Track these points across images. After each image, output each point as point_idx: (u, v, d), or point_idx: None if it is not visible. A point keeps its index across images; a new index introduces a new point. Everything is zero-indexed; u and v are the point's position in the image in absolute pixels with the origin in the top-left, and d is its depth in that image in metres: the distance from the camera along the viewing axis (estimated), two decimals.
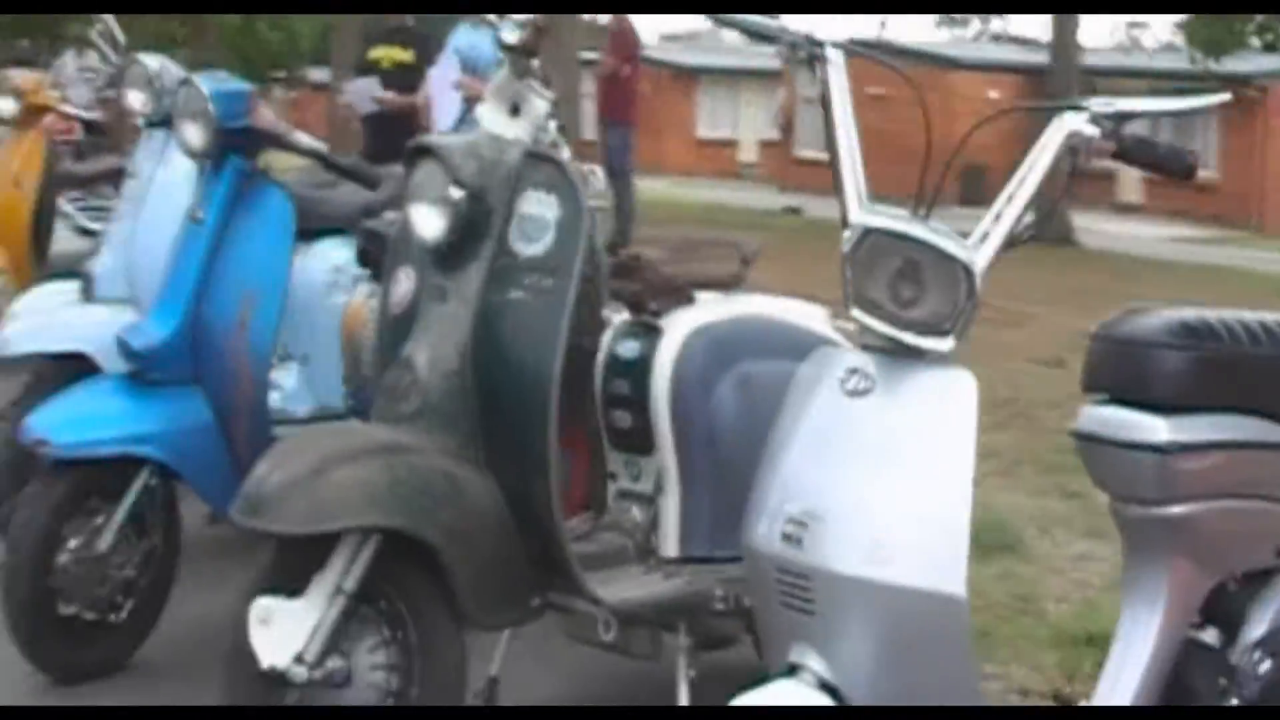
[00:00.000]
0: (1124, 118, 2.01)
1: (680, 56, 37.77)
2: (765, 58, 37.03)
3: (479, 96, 8.12)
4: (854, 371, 1.95)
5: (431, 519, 2.80)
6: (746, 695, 1.90)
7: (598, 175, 3.56)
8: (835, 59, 2.28)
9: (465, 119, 7.38)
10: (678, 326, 3.26)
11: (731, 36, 51.79)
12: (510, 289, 2.95)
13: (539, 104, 3.03)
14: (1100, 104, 2.03)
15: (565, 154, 3.17)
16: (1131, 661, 2.33)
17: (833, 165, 2.10)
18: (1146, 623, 2.34)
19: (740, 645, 3.37)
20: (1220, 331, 2.30)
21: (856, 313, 1.93)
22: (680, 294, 3.36)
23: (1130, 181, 24.87)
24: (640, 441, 3.28)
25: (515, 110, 3.05)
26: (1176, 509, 2.27)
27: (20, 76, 6.41)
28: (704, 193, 25.42)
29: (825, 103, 2.22)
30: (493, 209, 2.97)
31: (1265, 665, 2.36)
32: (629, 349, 3.32)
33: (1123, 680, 2.32)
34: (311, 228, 4.47)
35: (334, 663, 2.81)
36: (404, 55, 7.76)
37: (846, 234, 1.94)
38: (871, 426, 1.91)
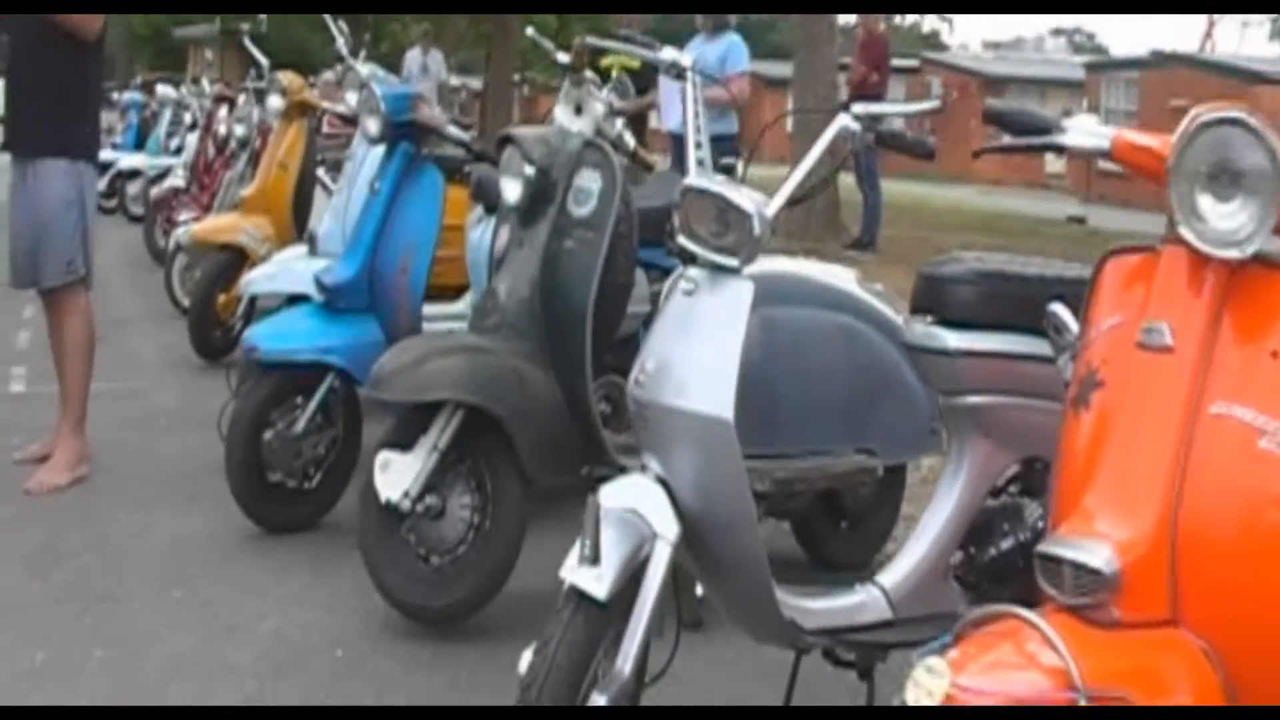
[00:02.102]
0: (876, 118, 2.98)
1: (989, 66, 37.86)
2: (1072, 67, 36.65)
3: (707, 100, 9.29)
4: (690, 280, 2.97)
5: (500, 399, 3.92)
6: (608, 485, 2.93)
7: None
8: (693, 79, 3.31)
9: None
10: None
11: (1049, 45, 51.30)
12: (566, 239, 4.06)
13: (596, 106, 4.12)
14: (860, 107, 3.00)
15: (629, 144, 4.27)
16: (937, 515, 3.27)
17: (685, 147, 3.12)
18: (952, 485, 3.26)
19: None
20: (1006, 273, 3.23)
21: (684, 240, 2.94)
22: None
23: None
24: None
25: (579, 110, 4.15)
26: (969, 400, 3.21)
27: (286, 77, 7.76)
28: (1003, 201, 25.01)
29: (684, 108, 3.26)
30: (556, 181, 4.08)
31: (1035, 514, 3.28)
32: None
33: (929, 528, 3.27)
34: (494, 203, 5.69)
35: (431, 499, 3.97)
36: (631, 63, 8.90)
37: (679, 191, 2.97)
38: (690, 313, 2.90)
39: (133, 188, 14.23)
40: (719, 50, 9.09)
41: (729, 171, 4.73)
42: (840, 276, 4.38)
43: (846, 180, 14.74)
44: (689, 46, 8.74)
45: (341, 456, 4.94)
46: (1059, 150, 2.43)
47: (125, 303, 9.86)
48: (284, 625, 4.17)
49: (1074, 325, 2.55)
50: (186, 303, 8.62)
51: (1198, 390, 2.11)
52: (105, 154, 15.32)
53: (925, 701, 1.92)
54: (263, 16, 21.72)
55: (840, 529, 4.72)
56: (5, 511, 5.12)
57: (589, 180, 4.04)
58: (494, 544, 4.00)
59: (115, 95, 19.73)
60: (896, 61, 17.86)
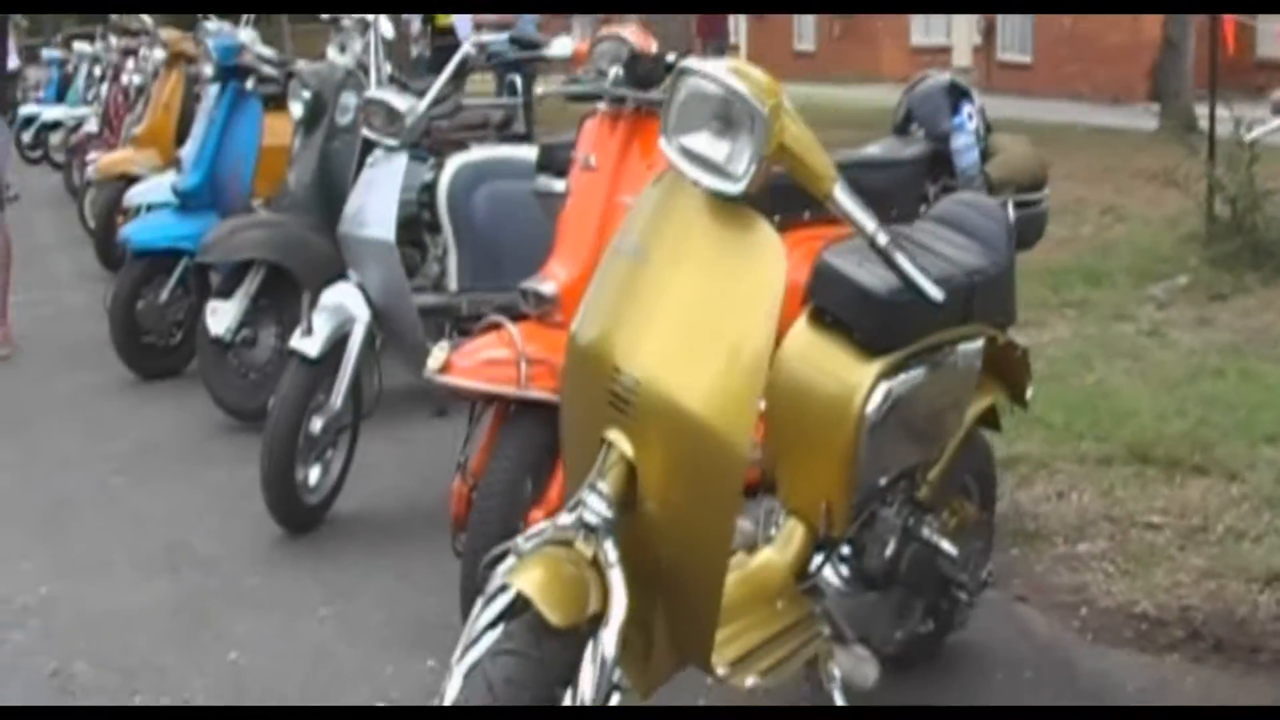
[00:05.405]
0: (486, 45, 4.57)
1: None
2: None
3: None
4: (373, 158, 4.57)
5: (291, 256, 5.50)
6: (326, 290, 4.54)
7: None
8: (375, 28, 4.90)
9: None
10: (453, 161, 5.80)
11: None
12: (334, 141, 5.63)
13: (355, 44, 5.69)
14: (477, 36, 4.59)
15: (387, 71, 5.85)
16: None
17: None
18: None
19: None
20: None
21: (366, 132, 4.54)
22: (457, 144, 5.94)
23: None
24: (435, 226, 5.89)
25: (343, 49, 5.72)
26: None
27: (166, 32, 9.27)
28: None
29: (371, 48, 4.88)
30: (327, 101, 5.66)
31: None
32: (428, 176, 5.94)
33: None
34: None
35: (246, 332, 5.58)
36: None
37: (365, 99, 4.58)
38: (372, 178, 4.52)
39: (55, 138, 15.66)
40: None
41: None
42: None
43: None
44: None
45: (196, 320, 6.49)
46: (545, 60, 4.05)
47: (46, 233, 11.40)
48: (150, 431, 5.80)
49: None
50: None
51: (612, 191, 3.71)
52: (29, 108, 16.86)
53: (434, 366, 3.52)
54: None
55: None
56: None
57: (349, 99, 5.61)
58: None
59: (43, 52, 20.99)
60: None
